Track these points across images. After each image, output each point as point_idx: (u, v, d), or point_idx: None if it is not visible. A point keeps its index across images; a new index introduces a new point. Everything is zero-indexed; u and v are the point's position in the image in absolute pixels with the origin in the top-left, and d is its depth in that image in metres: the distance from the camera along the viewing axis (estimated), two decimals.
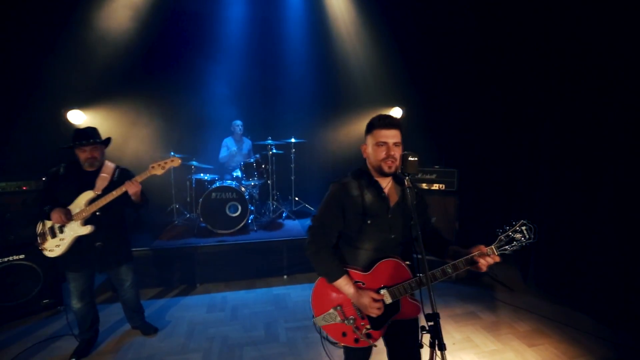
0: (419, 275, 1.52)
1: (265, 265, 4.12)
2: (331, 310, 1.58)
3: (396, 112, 5.99)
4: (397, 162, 1.51)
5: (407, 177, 1.44)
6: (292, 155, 5.22)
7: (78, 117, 4.60)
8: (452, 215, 3.96)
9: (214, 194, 4.28)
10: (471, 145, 4.53)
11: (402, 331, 1.63)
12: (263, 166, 4.72)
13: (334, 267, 1.54)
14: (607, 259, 3.09)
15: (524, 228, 1.45)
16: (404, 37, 5.08)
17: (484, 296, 3.67)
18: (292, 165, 5.26)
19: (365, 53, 5.40)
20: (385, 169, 1.51)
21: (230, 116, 5.26)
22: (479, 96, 4.42)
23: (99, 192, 2.53)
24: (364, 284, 1.56)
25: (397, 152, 1.51)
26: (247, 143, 5.31)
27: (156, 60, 4.97)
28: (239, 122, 5.15)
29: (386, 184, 1.62)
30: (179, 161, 2.59)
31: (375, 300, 1.50)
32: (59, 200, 2.51)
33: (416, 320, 1.66)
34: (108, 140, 2.66)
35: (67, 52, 4.14)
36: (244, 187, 4.59)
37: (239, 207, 4.35)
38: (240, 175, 4.70)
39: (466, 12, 4.38)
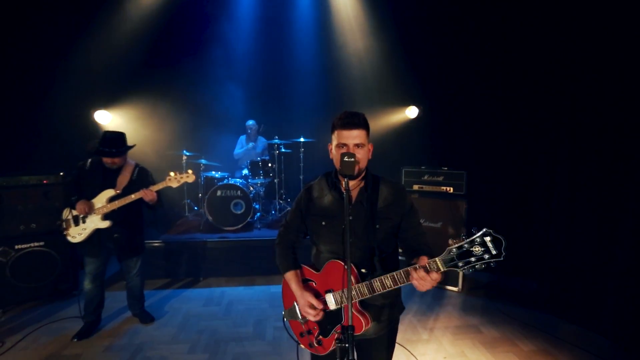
0: (356, 283, 1.38)
1: (266, 263, 4.16)
2: (293, 306, 1.57)
3: (412, 112, 5.76)
4: (361, 165, 1.42)
5: (345, 179, 1.36)
6: (301, 155, 5.23)
7: (104, 117, 4.98)
8: (461, 220, 3.72)
9: (219, 192, 4.40)
10: (483, 147, 4.25)
11: (371, 347, 1.54)
12: (270, 165, 4.76)
13: (285, 261, 1.61)
14: (632, 276, 2.73)
15: (487, 239, 1.10)
16: (415, 38, 4.91)
17: (490, 309, 3.41)
18: (301, 165, 5.26)
19: (376, 52, 5.30)
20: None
21: (240, 115, 5.36)
22: (492, 96, 4.14)
23: (119, 191, 2.80)
24: (315, 283, 1.54)
25: (359, 154, 1.40)
26: (261, 142, 5.38)
27: (171, 61, 5.18)
28: (251, 123, 5.23)
29: (352, 185, 1.51)
30: (194, 178, 2.87)
31: (311, 305, 1.44)
32: (83, 192, 2.79)
33: (388, 338, 1.57)
34: (130, 147, 2.86)
35: (88, 54, 4.48)
36: (251, 185, 4.67)
37: (244, 205, 4.43)
38: (247, 174, 4.79)
39: (481, 12, 4.14)
